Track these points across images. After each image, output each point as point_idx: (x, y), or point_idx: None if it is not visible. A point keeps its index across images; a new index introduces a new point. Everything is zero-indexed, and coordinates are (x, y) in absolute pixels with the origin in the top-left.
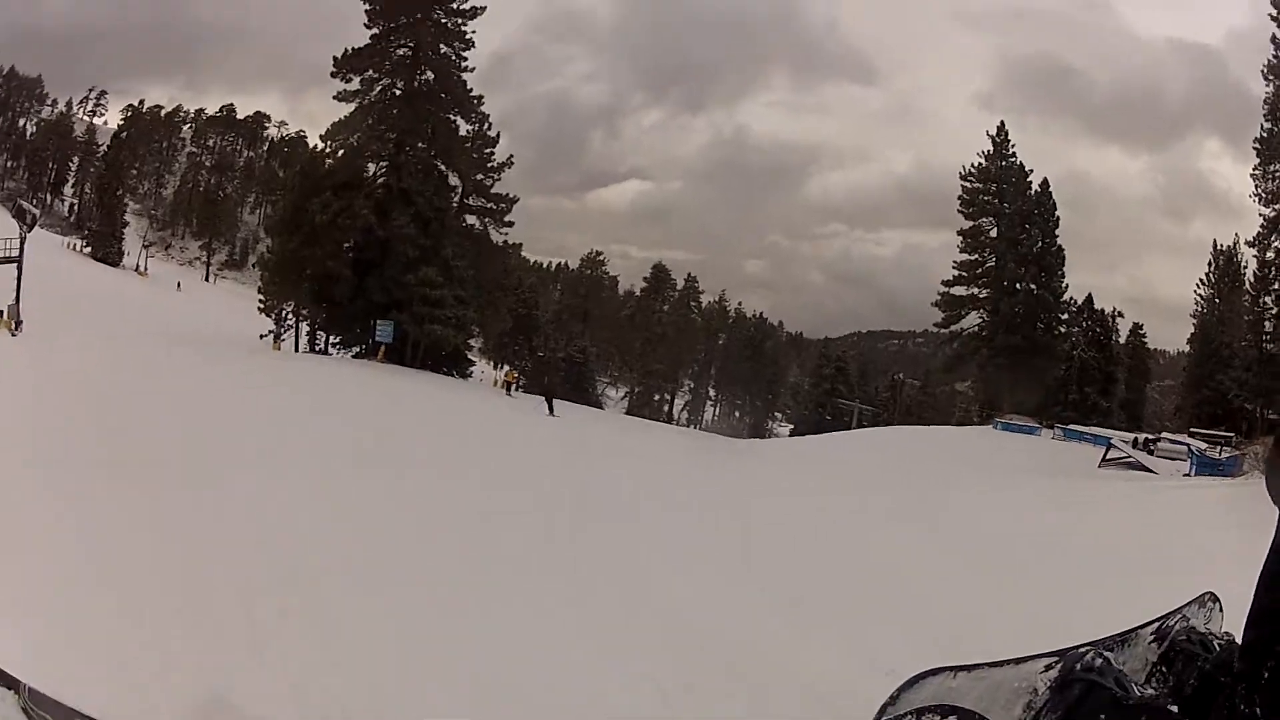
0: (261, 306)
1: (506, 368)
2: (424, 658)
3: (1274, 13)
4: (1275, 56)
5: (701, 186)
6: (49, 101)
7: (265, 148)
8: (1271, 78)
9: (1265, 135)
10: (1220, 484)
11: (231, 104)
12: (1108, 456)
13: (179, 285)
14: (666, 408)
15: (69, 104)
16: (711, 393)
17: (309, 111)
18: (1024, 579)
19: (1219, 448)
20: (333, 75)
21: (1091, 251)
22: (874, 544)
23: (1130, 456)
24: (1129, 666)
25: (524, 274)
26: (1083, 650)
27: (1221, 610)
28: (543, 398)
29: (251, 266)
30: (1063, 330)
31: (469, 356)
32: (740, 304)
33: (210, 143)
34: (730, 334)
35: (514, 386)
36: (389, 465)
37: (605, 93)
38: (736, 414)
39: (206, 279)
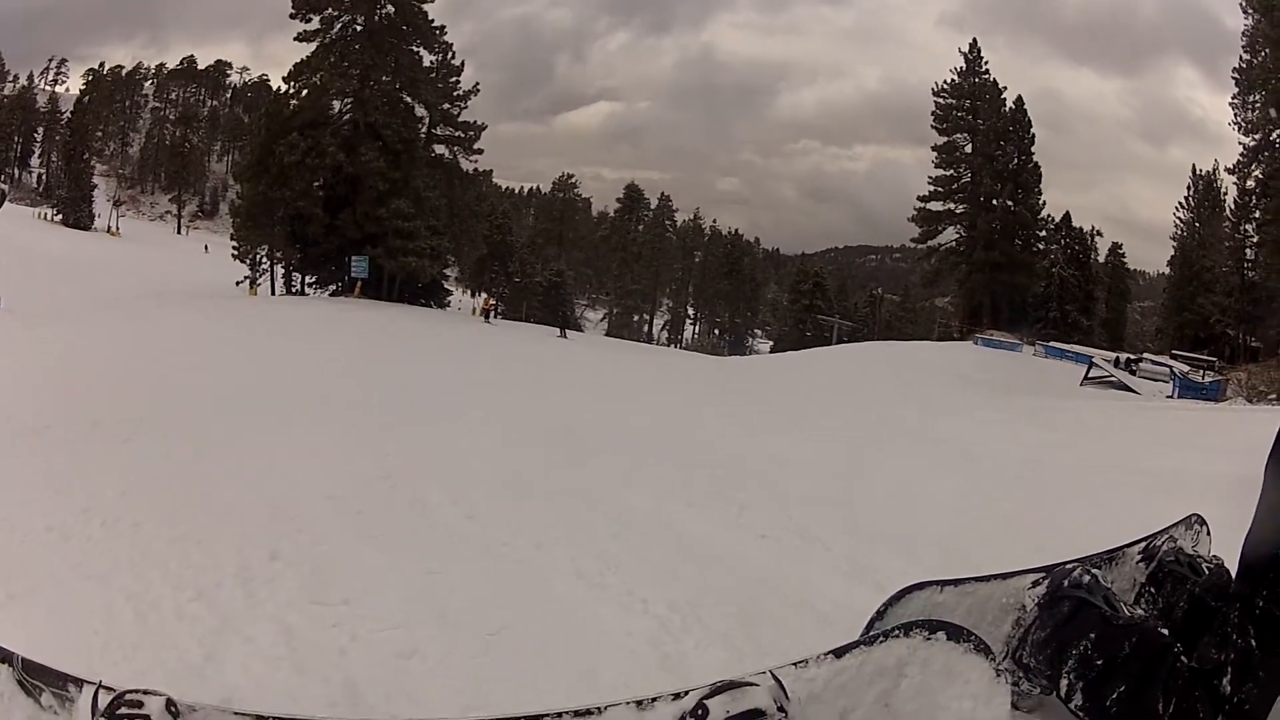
0: (235, 253)
1: (484, 295)
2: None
3: None
4: None
5: (671, 107)
6: (10, 78)
7: (229, 95)
8: (1251, 10)
9: (1244, 66)
10: (1204, 407)
11: (192, 55)
12: (1090, 375)
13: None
14: (646, 328)
15: (30, 77)
16: (690, 311)
17: (272, 55)
18: (1013, 496)
19: (1202, 371)
20: (291, 16)
21: (1068, 170)
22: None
23: (1112, 376)
24: (1116, 586)
25: (496, 200)
26: (1070, 566)
27: (1209, 533)
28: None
29: (223, 215)
30: (1041, 247)
31: (445, 286)
32: (715, 221)
33: (173, 96)
34: (706, 252)
35: (492, 313)
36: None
37: (571, 16)
38: (716, 331)
39: (179, 231)
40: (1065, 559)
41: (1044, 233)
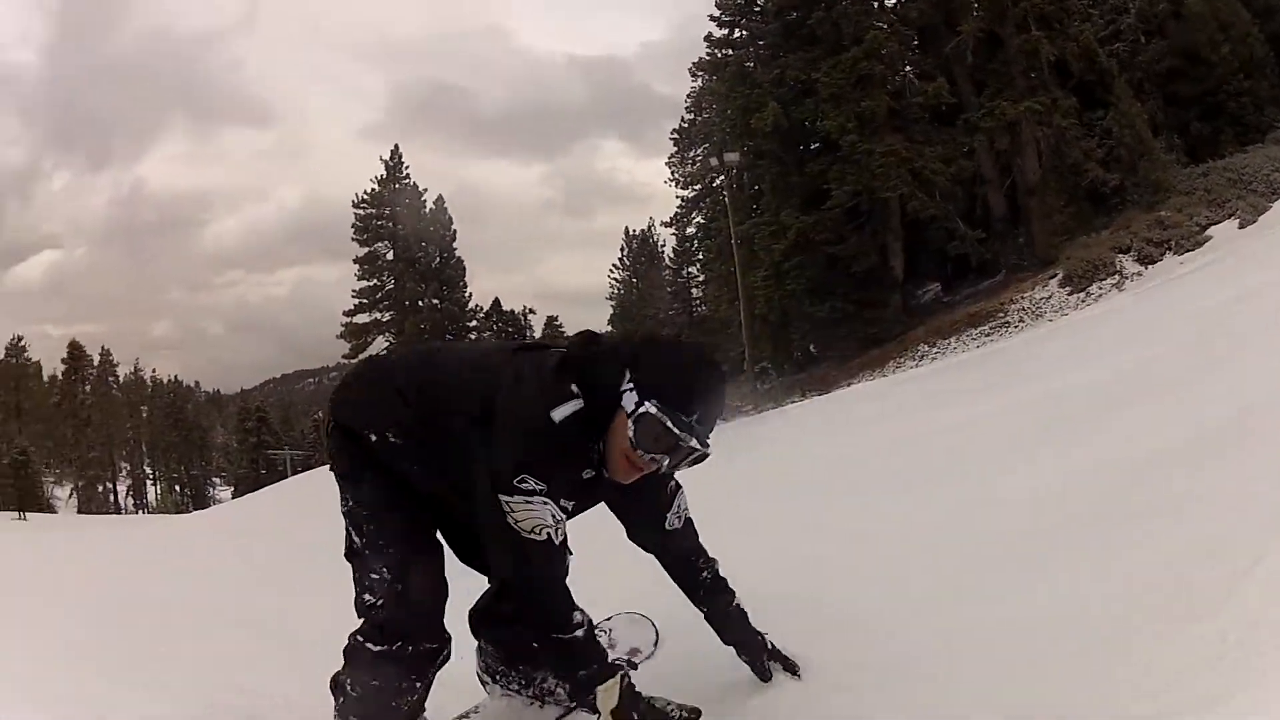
0: None
1: None
2: None
3: (716, 14)
4: (708, 53)
5: (105, 250)
6: None
7: None
8: (700, 72)
9: (684, 126)
10: None
11: None
12: None
13: None
14: (112, 497)
15: None
16: (148, 469)
17: None
18: None
19: None
20: None
21: (495, 255)
22: None
23: None
24: None
25: None
26: None
27: None
28: None
29: None
30: (474, 337)
31: None
32: (154, 371)
33: None
34: (151, 405)
35: None
36: None
37: (21, 155)
38: (178, 488)
39: None
40: None
41: (474, 322)
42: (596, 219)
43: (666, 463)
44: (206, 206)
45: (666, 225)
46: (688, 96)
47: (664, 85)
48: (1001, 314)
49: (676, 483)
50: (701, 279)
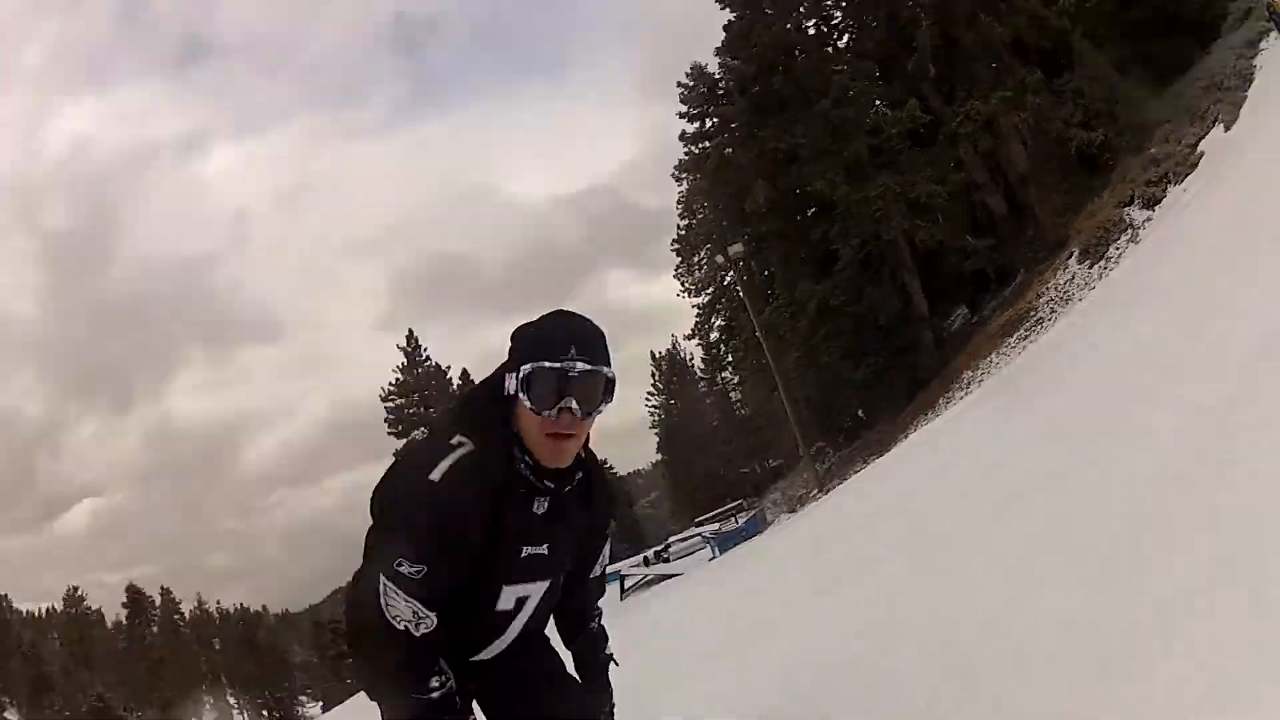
0: None
1: None
2: None
3: (684, 109)
4: (686, 152)
5: (146, 490)
6: None
7: None
8: (685, 174)
9: (682, 233)
10: (746, 550)
11: None
12: (625, 587)
13: None
14: None
15: None
16: (231, 699)
17: None
18: None
19: (733, 517)
20: None
21: None
22: None
23: (648, 575)
24: None
25: (23, 628)
26: None
27: None
28: None
29: None
30: None
31: None
32: (219, 602)
33: None
34: (223, 637)
35: None
36: None
37: (40, 408)
38: (265, 712)
39: None
40: None
41: None
42: (621, 351)
43: (574, 403)
44: (239, 430)
45: (689, 338)
46: (678, 203)
47: (651, 198)
48: (1032, 312)
49: (606, 534)
50: (736, 380)
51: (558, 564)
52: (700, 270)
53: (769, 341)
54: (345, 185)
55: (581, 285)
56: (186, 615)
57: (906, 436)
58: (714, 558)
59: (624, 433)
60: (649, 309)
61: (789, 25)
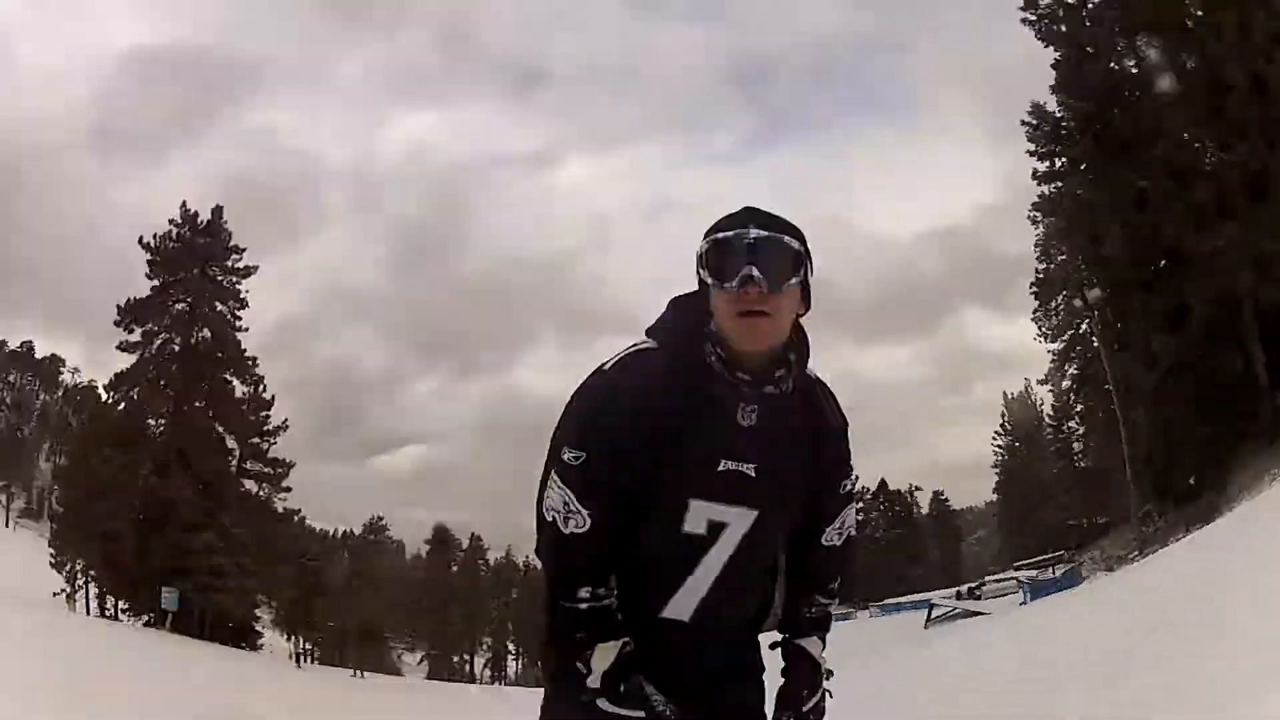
0: (53, 561)
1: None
2: None
3: (1032, 148)
4: (1040, 195)
5: (474, 446)
6: None
7: (60, 393)
8: (1040, 217)
9: (1039, 277)
10: (1054, 602)
11: (31, 341)
12: (932, 616)
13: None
14: (468, 667)
15: None
16: (511, 646)
17: (103, 360)
18: None
19: (1050, 568)
20: (116, 324)
21: (877, 438)
22: None
23: (956, 609)
24: None
25: (308, 542)
26: None
27: None
28: None
29: (47, 517)
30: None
31: (256, 629)
32: (527, 557)
33: (10, 379)
34: (523, 588)
35: (305, 658)
36: None
37: (382, 362)
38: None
39: (5, 524)
40: None
41: (860, 504)
42: (974, 390)
43: (755, 271)
44: None
45: (1042, 383)
46: (1035, 245)
47: (1008, 244)
48: None
49: (849, 491)
50: (1081, 430)
51: (770, 492)
52: (1058, 316)
53: (1118, 394)
54: (706, 204)
55: (940, 321)
56: (491, 562)
57: (1232, 509)
58: (1024, 602)
59: (965, 467)
60: (1007, 351)
61: (1111, 63)
